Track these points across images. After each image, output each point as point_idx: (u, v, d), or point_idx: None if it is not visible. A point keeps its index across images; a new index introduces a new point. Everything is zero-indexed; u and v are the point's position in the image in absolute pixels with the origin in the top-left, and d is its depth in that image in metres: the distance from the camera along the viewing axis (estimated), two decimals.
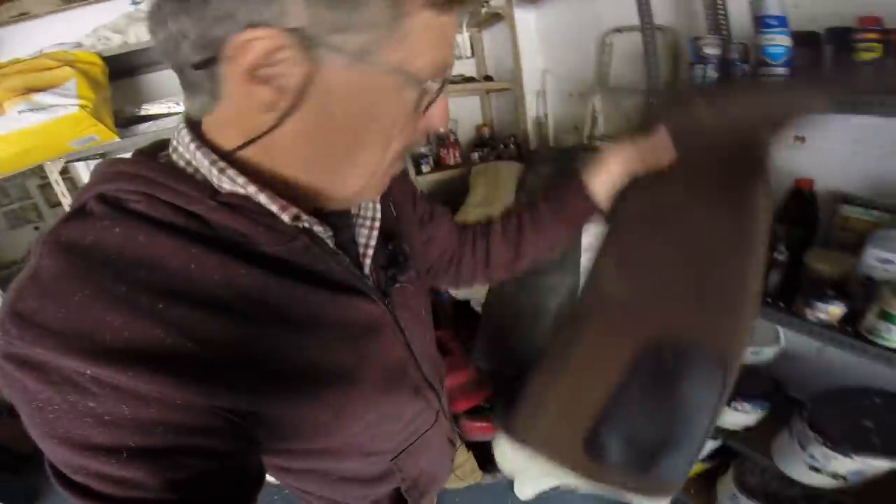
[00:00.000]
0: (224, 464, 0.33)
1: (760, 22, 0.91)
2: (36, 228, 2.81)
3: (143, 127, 1.59)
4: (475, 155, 2.04)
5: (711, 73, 1.02)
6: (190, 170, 0.35)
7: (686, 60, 1.36)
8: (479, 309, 1.49)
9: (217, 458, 0.33)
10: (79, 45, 1.54)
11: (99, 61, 1.45)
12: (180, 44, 0.30)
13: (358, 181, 0.37)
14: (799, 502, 1.13)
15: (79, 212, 0.33)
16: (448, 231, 0.64)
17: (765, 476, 1.20)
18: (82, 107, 1.28)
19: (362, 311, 0.42)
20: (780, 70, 0.89)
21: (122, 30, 1.59)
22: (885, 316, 0.80)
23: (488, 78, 2.06)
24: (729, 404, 1.10)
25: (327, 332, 0.39)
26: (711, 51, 1.02)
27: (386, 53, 0.31)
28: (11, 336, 0.28)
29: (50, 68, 1.30)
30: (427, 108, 0.36)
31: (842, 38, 0.84)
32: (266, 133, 0.32)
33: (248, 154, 0.34)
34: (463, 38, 1.98)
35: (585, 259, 1.16)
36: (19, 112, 1.23)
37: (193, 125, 0.36)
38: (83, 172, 1.96)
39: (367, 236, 0.45)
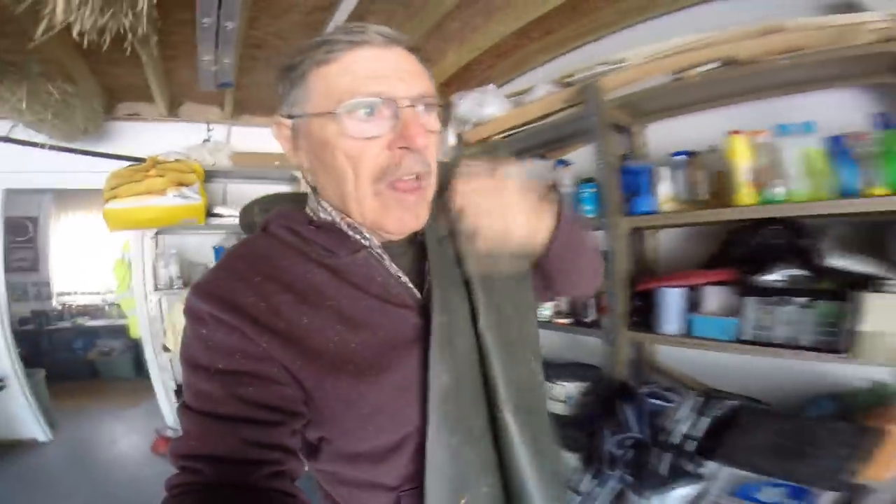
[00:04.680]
0: (275, 390, 0.47)
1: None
2: None
3: (215, 221, 2.45)
4: None
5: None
6: (309, 210, 0.57)
7: None
8: None
9: (271, 384, 0.47)
10: (186, 155, 2.38)
11: (203, 173, 2.33)
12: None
13: (358, 207, 0.51)
14: None
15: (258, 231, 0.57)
16: None
17: None
18: (202, 202, 2.25)
19: (410, 322, 0.53)
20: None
21: (209, 154, 2.50)
22: None
23: None
24: None
25: (371, 331, 0.50)
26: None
27: (305, 107, 0.50)
28: (190, 293, 0.49)
29: (187, 171, 2.24)
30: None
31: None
32: (305, 174, 0.55)
33: (324, 195, 0.54)
34: None
35: None
36: (174, 196, 2.14)
37: None
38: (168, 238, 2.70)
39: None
